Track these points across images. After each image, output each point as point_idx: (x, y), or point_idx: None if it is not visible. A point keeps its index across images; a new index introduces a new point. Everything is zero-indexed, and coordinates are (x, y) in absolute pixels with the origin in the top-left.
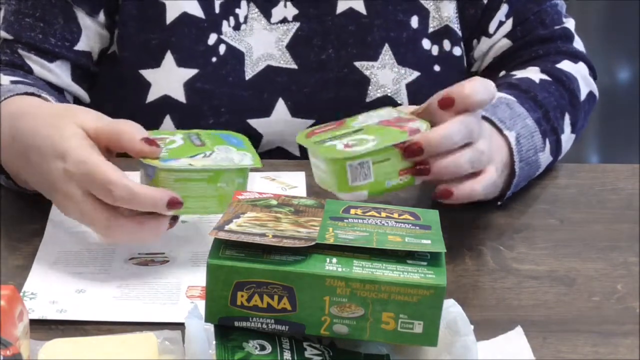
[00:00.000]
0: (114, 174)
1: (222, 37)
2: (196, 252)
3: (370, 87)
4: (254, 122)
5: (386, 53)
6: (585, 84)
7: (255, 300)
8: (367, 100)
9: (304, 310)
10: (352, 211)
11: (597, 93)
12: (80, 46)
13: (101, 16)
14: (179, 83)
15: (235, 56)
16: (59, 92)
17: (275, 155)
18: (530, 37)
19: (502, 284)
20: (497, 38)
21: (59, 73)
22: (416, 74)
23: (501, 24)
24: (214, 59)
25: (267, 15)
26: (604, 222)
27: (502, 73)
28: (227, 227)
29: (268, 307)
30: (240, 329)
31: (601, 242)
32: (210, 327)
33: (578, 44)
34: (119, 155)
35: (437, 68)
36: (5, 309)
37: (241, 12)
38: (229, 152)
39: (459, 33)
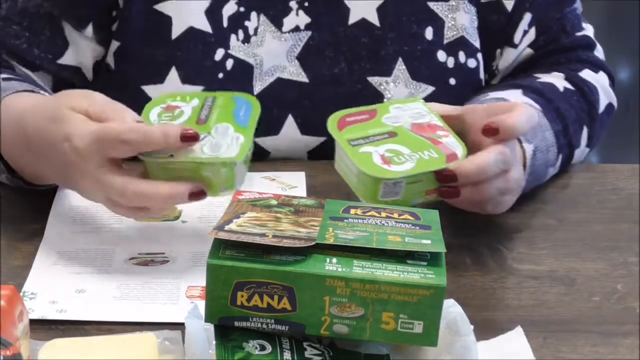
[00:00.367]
0: (120, 126)
1: (230, 51)
2: (196, 252)
3: None
4: (260, 140)
5: (400, 67)
6: (605, 95)
7: (255, 300)
8: None
9: (304, 310)
10: (352, 211)
11: (615, 103)
12: (66, 60)
13: (89, 30)
14: None
15: (244, 70)
16: None
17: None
18: (552, 46)
19: (502, 284)
20: (522, 48)
21: (41, 84)
22: (431, 88)
23: (525, 33)
24: (220, 75)
25: (279, 25)
26: (604, 222)
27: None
28: (227, 227)
29: (268, 307)
30: (240, 329)
31: (601, 242)
32: (210, 327)
33: (599, 52)
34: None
35: (452, 81)
36: (5, 309)
37: (251, 24)
38: (224, 135)
39: (475, 45)
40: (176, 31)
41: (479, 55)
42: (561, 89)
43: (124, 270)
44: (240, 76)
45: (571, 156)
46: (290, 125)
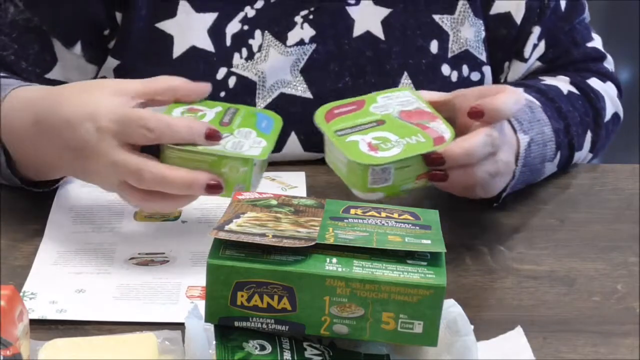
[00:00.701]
0: (147, 113)
1: (232, 69)
2: (196, 252)
3: None
4: None
5: (405, 82)
6: (612, 105)
7: (255, 300)
8: None
9: (304, 310)
10: (352, 211)
11: (622, 114)
12: (54, 75)
13: (77, 48)
14: None
15: (246, 87)
16: None
17: None
18: (562, 60)
19: (502, 284)
20: (532, 62)
21: None
22: None
23: (535, 47)
24: (222, 94)
25: (283, 39)
26: (604, 222)
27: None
28: (227, 227)
29: (268, 307)
30: (240, 329)
31: (601, 242)
32: (210, 327)
33: (609, 64)
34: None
35: None
36: (5, 309)
37: (255, 42)
38: (247, 137)
39: (480, 57)
40: (177, 50)
41: (484, 69)
42: (565, 92)
43: (124, 270)
44: (243, 93)
45: (571, 157)
46: (293, 142)
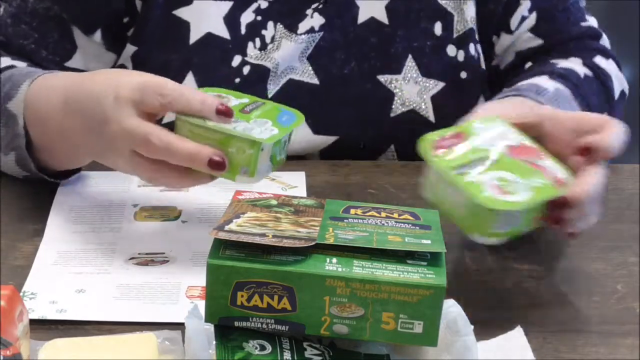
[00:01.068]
0: (163, 80)
1: (247, 58)
2: (196, 252)
3: (394, 102)
4: None
5: (410, 64)
6: (618, 82)
7: (255, 300)
8: (392, 115)
9: (304, 310)
10: (352, 211)
11: (627, 90)
12: (73, 63)
13: (97, 35)
14: None
15: (260, 74)
16: None
17: None
18: (561, 35)
19: (502, 284)
20: (520, 33)
21: None
22: (441, 84)
23: (524, 19)
24: (237, 80)
25: (295, 30)
26: (604, 222)
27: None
28: (227, 227)
29: (268, 307)
30: (240, 329)
31: (601, 242)
32: (210, 327)
33: (605, 42)
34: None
35: (463, 75)
36: (5, 309)
37: (268, 33)
38: (261, 125)
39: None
40: (194, 37)
41: (478, 46)
42: (582, 75)
43: (124, 270)
44: (257, 80)
45: None
46: (302, 127)
